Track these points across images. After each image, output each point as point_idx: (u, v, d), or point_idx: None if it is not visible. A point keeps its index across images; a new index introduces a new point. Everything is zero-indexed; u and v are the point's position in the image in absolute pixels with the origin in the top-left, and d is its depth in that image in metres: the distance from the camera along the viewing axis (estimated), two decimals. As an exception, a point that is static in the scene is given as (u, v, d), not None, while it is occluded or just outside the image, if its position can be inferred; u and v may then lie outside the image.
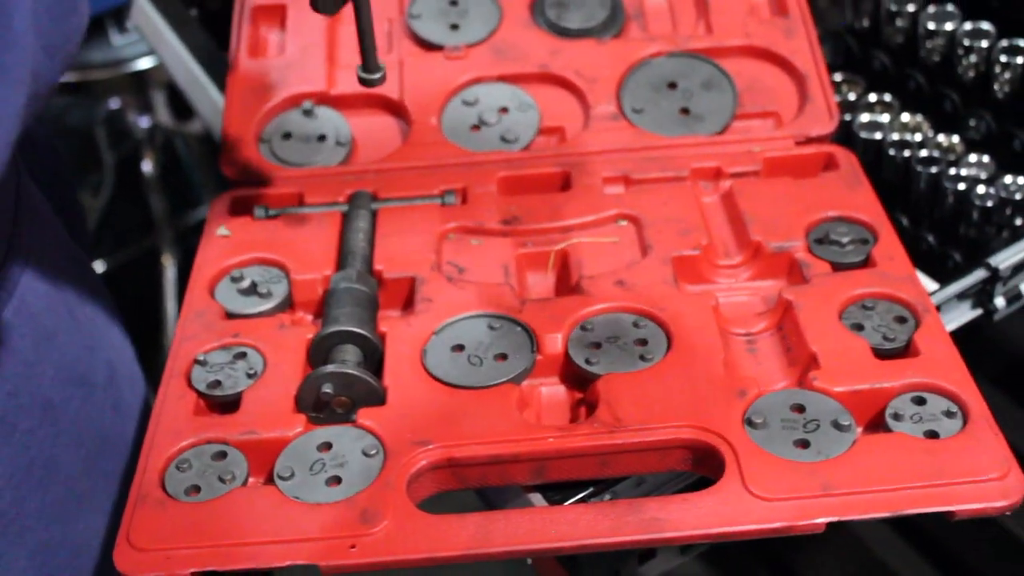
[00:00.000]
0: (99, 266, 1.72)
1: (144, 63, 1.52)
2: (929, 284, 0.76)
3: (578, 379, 0.69)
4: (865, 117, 0.91)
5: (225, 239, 0.79)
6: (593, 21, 0.89)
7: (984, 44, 0.90)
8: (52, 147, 0.85)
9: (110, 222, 1.75)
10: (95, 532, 0.76)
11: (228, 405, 0.69)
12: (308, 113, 0.87)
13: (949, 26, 0.91)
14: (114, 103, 1.68)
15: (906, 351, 0.68)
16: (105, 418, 0.77)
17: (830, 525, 0.59)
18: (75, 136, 1.79)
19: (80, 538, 0.75)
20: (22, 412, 0.69)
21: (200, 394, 0.69)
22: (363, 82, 0.72)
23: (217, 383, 0.69)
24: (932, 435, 0.62)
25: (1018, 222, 0.85)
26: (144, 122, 1.65)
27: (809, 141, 0.82)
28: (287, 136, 0.86)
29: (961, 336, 0.69)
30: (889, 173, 0.89)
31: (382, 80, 0.72)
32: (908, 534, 0.92)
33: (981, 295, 0.77)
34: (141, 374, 0.86)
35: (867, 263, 0.73)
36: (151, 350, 1.71)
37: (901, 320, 0.69)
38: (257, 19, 0.92)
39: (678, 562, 0.76)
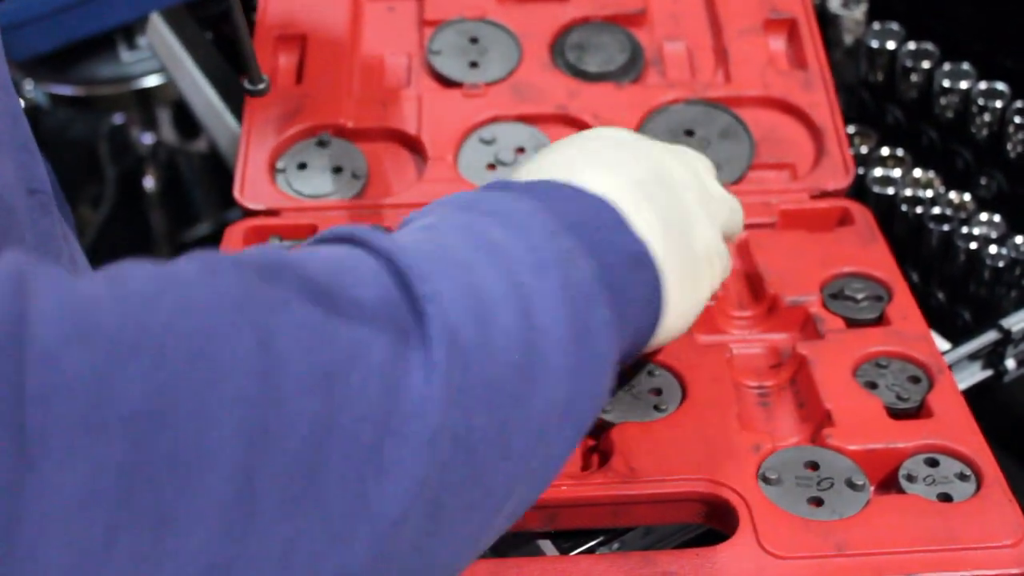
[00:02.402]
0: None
1: (151, 80, 1.52)
2: (941, 344, 0.76)
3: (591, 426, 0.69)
4: (878, 171, 0.92)
5: (239, 269, 0.79)
6: (612, 65, 0.90)
7: (998, 104, 0.90)
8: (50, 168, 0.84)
9: (109, 236, 1.75)
10: None
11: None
12: (324, 144, 0.87)
13: (964, 84, 0.92)
14: (118, 118, 1.67)
15: (919, 411, 0.68)
16: None
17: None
18: (77, 149, 1.79)
19: None
20: None
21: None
22: (249, 93, 0.77)
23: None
24: (945, 498, 0.62)
25: (1028, 283, 0.85)
26: (147, 139, 1.65)
27: (824, 195, 0.82)
28: (303, 167, 0.86)
29: (970, 397, 0.69)
30: (900, 228, 0.90)
31: (267, 90, 0.76)
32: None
33: (992, 356, 0.77)
34: None
35: (881, 320, 0.74)
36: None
37: (915, 380, 0.69)
38: (276, 48, 0.92)
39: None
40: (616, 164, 0.61)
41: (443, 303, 0.46)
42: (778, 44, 0.92)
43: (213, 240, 1.80)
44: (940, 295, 0.88)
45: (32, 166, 0.67)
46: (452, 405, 0.45)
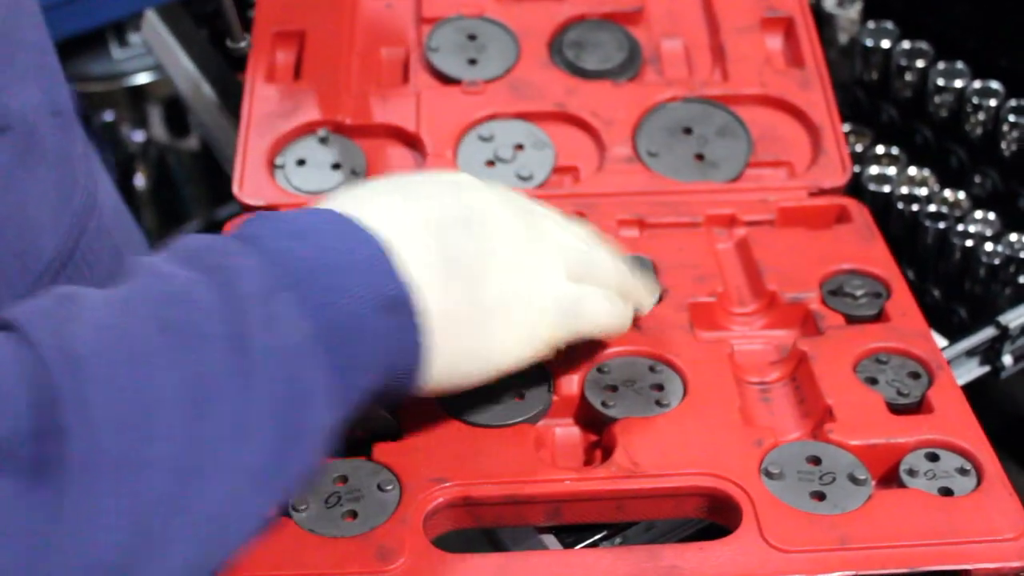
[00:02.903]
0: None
1: (142, 78, 1.51)
2: (938, 340, 0.76)
3: (593, 421, 0.69)
4: (874, 170, 0.93)
5: (239, 265, 0.79)
6: (610, 63, 0.90)
7: (992, 103, 0.91)
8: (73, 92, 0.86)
9: (97, 234, 1.74)
10: None
11: (241, 433, 0.69)
12: (323, 141, 0.87)
13: (958, 83, 0.93)
14: (108, 115, 1.67)
15: (919, 407, 0.68)
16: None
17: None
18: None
19: None
20: None
21: (214, 421, 0.69)
22: (231, 52, 0.80)
23: (232, 411, 0.69)
24: (946, 492, 0.63)
25: (1023, 280, 0.86)
26: (138, 136, 1.64)
27: (822, 192, 0.83)
28: (302, 163, 0.86)
29: (967, 393, 0.69)
30: (896, 226, 0.90)
31: (248, 48, 0.81)
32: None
33: (989, 353, 0.78)
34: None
35: (880, 317, 0.74)
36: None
37: (915, 376, 0.70)
38: (274, 44, 0.92)
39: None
40: (412, 201, 0.60)
41: (92, 424, 0.45)
42: (775, 42, 0.92)
43: (203, 238, 1.80)
44: (936, 292, 0.89)
45: (56, 90, 0.71)
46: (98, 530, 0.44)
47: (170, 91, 1.57)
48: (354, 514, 0.63)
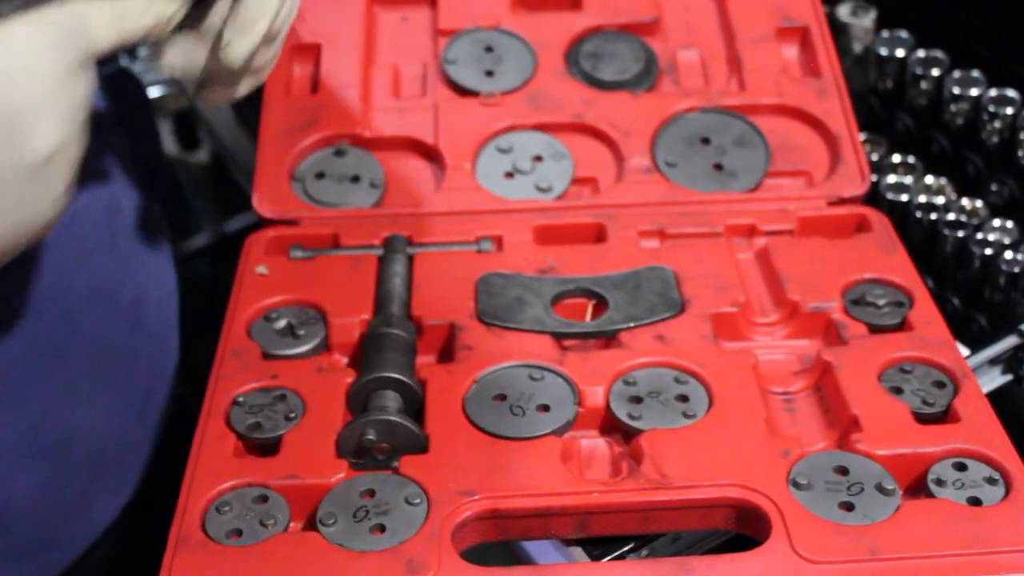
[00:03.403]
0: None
1: (152, 92, 1.51)
2: (961, 349, 0.76)
3: (619, 433, 0.69)
4: (891, 178, 0.93)
5: (261, 278, 0.79)
6: (627, 74, 0.90)
7: (1009, 111, 0.91)
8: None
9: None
10: (89, 426, 0.79)
11: (267, 448, 0.69)
12: (341, 153, 0.87)
13: (974, 92, 0.93)
14: (118, 129, 1.67)
15: (945, 416, 0.68)
16: (122, 335, 0.81)
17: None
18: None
19: (73, 428, 0.78)
20: (44, 312, 0.73)
21: (239, 435, 0.69)
22: None
23: (257, 425, 0.69)
24: (975, 502, 0.63)
25: (1042, 288, 0.86)
26: (147, 149, 1.65)
27: (841, 202, 0.83)
28: (320, 176, 0.86)
29: (990, 402, 0.69)
30: (915, 235, 0.90)
31: None
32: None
33: (1012, 361, 0.78)
34: (175, 301, 0.91)
35: (903, 326, 0.74)
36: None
37: (940, 385, 0.70)
38: (291, 58, 0.92)
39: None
40: None
41: None
42: (791, 52, 0.93)
43: (212, 251, 1.80)
44: (955, 301, 0.89)
45: None
46: None
47: (179, 105, 1.57)
48: (382, 528, 0.62)
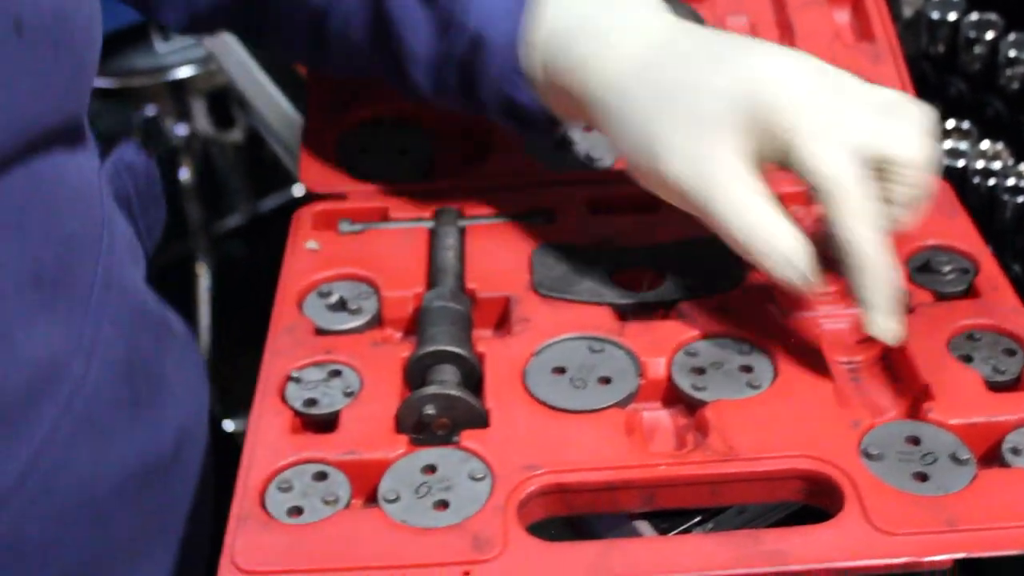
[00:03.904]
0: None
1: (185, 71, 1.51)
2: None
3: (683, 405, 0.68)
4: (947, 144, 0.91)
5: (311, 253, 0.78)
6: (677, 41, 0.88)
7: (1067, 73, 0.89)
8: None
9: (143, 229, 1.74)
10: None
11: (324, 424, 0.68)
12: (388, 127, 0.86)
13: (1031, 54, 0.91)
14: (150, 110, 1.66)
15: (1017, 384, 0.67)
16: (172, 493, 0.75)
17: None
18: (106, 142, 1.78)
19: None
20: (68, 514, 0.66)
21: (296, 412, 0.68)
22: None
23: (313, 401, 0.68)
24: (1053, 471, 0.61)
25: (1104, 254, 0.84)
26: (181, 130, 1.64)
27: (900, 167, 0.81)
28: (367, 150, 0.85)
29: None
30: (972, 201, 0.88)
31: None
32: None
33: (1080, 328, 0.76)
34: (207, 432, 0.80)
35: (969, 293, 0.72)
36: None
37: (1010, 352, 0.68)
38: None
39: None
40: None
41: None
42: (843, 16, 0.91)
43: (247, 230, 1.80)
44: (1016, 267, 0.87)
45: None
46: None
47: (213, 84, 1.56)
48: (445, 504, 0.61)
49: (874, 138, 0.64)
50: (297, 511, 0.62)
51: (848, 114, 0.64)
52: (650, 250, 0.76)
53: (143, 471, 0.70)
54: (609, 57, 0.68)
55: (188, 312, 1.69)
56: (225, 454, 0.79)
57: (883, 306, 0.64)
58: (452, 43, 0.72)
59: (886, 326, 0.64)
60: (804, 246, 0.64)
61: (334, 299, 0.74)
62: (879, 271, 0.63)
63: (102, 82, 1.51)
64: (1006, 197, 0.86)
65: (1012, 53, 0.92)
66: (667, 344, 0.69)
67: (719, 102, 0.64)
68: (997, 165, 0.90)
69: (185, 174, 1.65)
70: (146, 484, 0.71)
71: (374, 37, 0.75)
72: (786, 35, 0.89)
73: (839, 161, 0.63)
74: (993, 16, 0.94)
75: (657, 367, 0.68)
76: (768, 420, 0.64)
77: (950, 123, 0.94)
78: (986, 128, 0.94)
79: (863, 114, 0.64)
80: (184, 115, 1.62)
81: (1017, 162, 0.91)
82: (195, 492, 0.77)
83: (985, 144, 0.92)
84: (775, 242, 0.64)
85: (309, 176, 0.84)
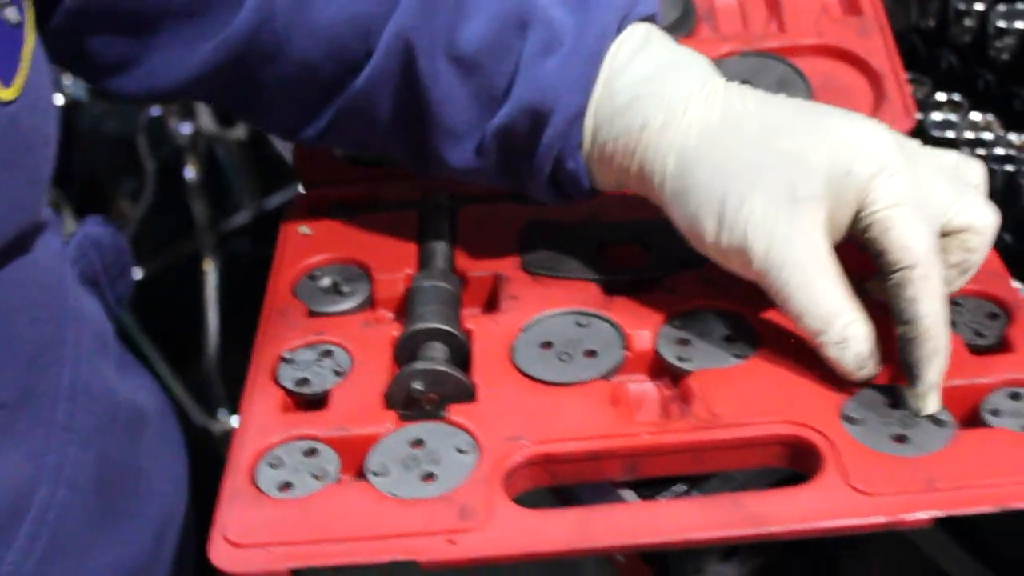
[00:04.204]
0: (138, 272, 1.72)
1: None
2: (1015, 285, 0.75)
3: (668, 376, 0.68)
4: (937, 115, 0.91)
5: (305, 238, 0.79)
6: (664, 21, 0.89)
7: (1056, 43, 0.89)
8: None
9: (150, 228, 1.76)
10: None
11: (315, 403, 0.69)
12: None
13: (1020, 24, 0.91)
14: (155, 110, 1.68)
15: (999, 347, 0.67)
16: None
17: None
18: (113, 143, 1.80)
19: None
20: None
21: (288, 391, 0.69)
22: None
23: (305, 380, 0.69)
24: (1032, 431, 0.62)
25: (1095, 221, 0.84)
26: (186, 128, 1.66)
27: (886, 139, 0.81)
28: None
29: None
30: (962, 172, 0.89)
31: None
32: (960, 537, 0.91)
33: (1066, 293, 0.76)
34: (191, 513, 0.82)
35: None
36: (193, 355, 1.72)
37: (992, 316, 0.69)
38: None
39: (759, 562, 0.75)
40: None
41: None
42: (830, -9, 0.91)
43: (254, 228, 1.81)
44: (1007, 237, 0.87)
45: None
46: None
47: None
48: (433, 476, 0.62)
49: (953, 210, 0.63)
50: (287, 486, 0.63)
51: (929, 186, 0.63)
52: (636, 225, 0.77)
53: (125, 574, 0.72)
54: (677, 125, 0.66)
55: (195, 310, 1.71)
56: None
57: (938, 384, 0.62)
58: (501, 116, 0.69)
59: (935, 403, 0.63)
60: (871, 336, 0.64)
61: (326, 282, 0.76)
62: (943, 351, 0.62)
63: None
64: (995, 167, 0.86)
65: (1001, 24, 0.92)
66: (653, 317, 0.70)
67: (814, 179, 0.63)
68: (988, 135, 0.91)
69: (190, 173, 1.67)
70: None
71: (399, 114, 0.71)
72: (774, 10, 0.89)
73: (928, 239, 0.62)
74: (982, -12, 0.95)
75: (643, 339, 0.69)
76: (751, 388, 0.65)
77: (941, 95, 0.95)
78: (977, 100, 0.95)
79: (940, 185, 0.64)
80: (188, 114, 1.63)
81: (1007, 132, 0.91)
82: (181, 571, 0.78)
83: (976, 115, 0.93)
84: (844, 331, 0.63)
85: (304, 165, 0.85)
